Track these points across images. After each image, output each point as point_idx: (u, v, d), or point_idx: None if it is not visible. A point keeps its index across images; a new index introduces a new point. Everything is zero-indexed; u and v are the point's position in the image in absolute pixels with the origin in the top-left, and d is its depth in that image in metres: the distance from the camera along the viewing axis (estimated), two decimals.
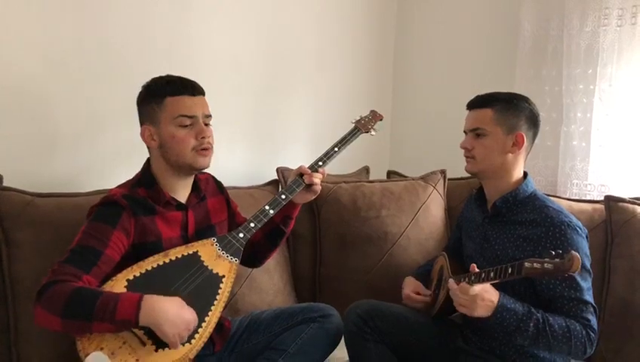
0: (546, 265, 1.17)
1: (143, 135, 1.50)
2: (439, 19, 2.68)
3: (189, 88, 1.49)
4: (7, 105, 1.69)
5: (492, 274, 1.31)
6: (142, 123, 1.50)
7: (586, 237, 1.51)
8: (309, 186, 1.62)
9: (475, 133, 1.57)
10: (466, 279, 1.36)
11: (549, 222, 1.47)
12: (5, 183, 1.63)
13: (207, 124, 1.51)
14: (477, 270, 1.37)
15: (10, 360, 1.55)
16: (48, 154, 1.79)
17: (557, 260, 1.17)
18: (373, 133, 1.82)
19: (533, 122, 1.58)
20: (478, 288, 1.34)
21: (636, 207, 1.84)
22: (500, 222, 1.57)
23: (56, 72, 1.77)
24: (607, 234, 1.85)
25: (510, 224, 1.55)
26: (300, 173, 1.63)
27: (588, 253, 1.48)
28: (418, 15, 2.76)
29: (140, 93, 1.51)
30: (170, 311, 1.30)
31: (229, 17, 2.18)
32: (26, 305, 1.48)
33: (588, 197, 2.09)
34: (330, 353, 1.66)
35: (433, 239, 2.14)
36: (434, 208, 2.18)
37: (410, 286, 1.77)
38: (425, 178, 2.25)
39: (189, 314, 1.34)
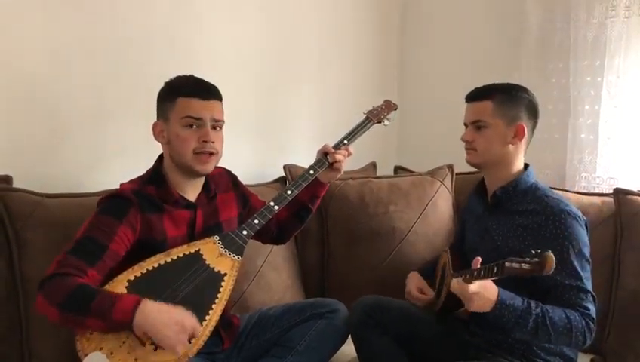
0: (523, 265, 1.17)
1: (154, 129, 1.51)
2: (445, 13, 2.67)
3: (202, 92, 1.48)
4: (15, 106, 1.70)
5: (482, 273, 1.29)
6: (157, 118, 1.52)
7: (586, 226, 1.50)
8: (332, 164, 1.64)
9: (475, 125, 1.57)
10: (467, 275, 1.35)
11: (548, 211, 1.46)
12: (15, 184, 1.64)
13: (215, 128, 1.50)
14: (479, 265, 1.36)
15: (21, 358, 1.57)
16: (57, 154, 1.80)
17: (535, 260, 1.16)
18: (386, 123, 1.78)
19: (533, 112, 1.58)
20: (476, 285, 1.33)
21: None
22: (500, 212, 1.57)
23: (63, 72, 1.78)
24: (617, 227, 1.84)
25: (510, 214, 1.54)
26: (325, 153, 1.65)
27: (587, 242, 1.47)
28: (423, 9, 2.74)
29: (161, 88, 1.52)
30: (166, 317, 1.28)
31: (233, 13, 2.18)
32: None
33: (597, 191, 2.07)
34: (339, 348, 1.67)
35: (441, 234, 2.14)
36: (442, 203, 2.18)
37: (414, 283, 1.77)
38: (432, 173, 2.24)
39: (187, 320, 1.31)
